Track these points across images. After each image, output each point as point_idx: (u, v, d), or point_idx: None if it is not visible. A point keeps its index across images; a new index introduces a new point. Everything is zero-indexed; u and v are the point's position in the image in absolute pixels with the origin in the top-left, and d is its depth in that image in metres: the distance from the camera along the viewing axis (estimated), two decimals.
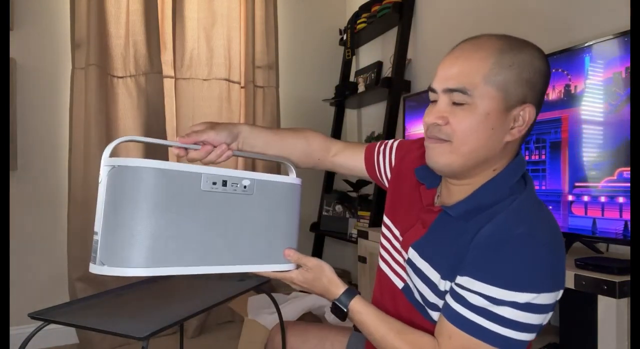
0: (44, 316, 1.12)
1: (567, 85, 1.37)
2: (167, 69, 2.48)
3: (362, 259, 2.10)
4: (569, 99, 1.38)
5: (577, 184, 1.34)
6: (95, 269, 0.68)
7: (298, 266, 0.84)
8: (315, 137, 1.05)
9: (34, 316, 1.11)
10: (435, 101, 0.76)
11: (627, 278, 1.09)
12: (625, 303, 1.08)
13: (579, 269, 1.20)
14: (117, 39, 2.29)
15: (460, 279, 0.71)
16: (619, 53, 1.25)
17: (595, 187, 1.29)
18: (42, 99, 2.25)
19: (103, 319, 1.12)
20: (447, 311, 0.72)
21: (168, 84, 2.49)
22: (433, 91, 0.76)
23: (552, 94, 1.41)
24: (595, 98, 1.31)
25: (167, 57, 2.47)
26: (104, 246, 0.67)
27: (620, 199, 1.23)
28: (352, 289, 0.82)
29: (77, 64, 2.20)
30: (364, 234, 2.10)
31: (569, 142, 1.36)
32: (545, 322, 0.72)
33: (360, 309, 0.79)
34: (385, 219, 0.96)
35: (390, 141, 1.04)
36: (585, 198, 1.31)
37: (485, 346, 0.68)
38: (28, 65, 2.22)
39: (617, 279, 1.08)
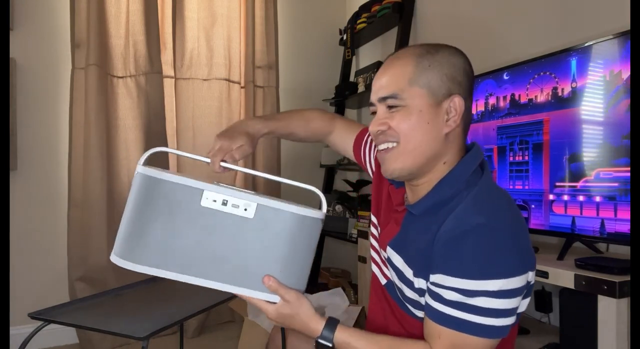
0: (44, 316, 1.12)
1: (555, 88, 1.41)
2: (167, 69, 2.48)
3: (362, 259, 2.10)
4: (552, 102, 1.42)
5: (557, 184, 1.39)
6: (112, 257, 0.77)
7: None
8: (317, 118, 1.12)
9: (34, 316, 1.11)
10: (375, 113, 0.84)
11: (627, 278, 1.09)
12: (625, 303, 1.08)
13: (579, 269, 1.20)
14: (117, 39, 2.29)
15: (433, 278, 0.74)
16: (605, 57, 1.28)
17: (574, 187, 1.34)
18: (42, 99, 2.25)
19: (103, 319, 1.12)
20: (429, 311, 0.74)
21: (168, 84, 2.49)
22: (371, 104, 0.84)
23: (540, 97, 1.45)
24: (577, 101, 1.35)
25: (167, 57, 2.47)
26: (118, 239, 0.76)
27: (597, 198, 1.28)
28: (332, 319, 0.80)
29: (77, 64, 2.20)
30: (364, 234, 2.10)
31: (550, 144, 1.41)
32: (521, 306, 0.75)
33: (346, 339, 0.77)
34: (372, 217, 1.00)
35: None
36: (565, 197, 1.37)
37: (471, 338, 0.70)
38: (28, 65, 2.22)
39: (617, 279, 1.08)
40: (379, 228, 0.95)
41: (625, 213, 1.21)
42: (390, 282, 0.87)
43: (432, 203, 0.79)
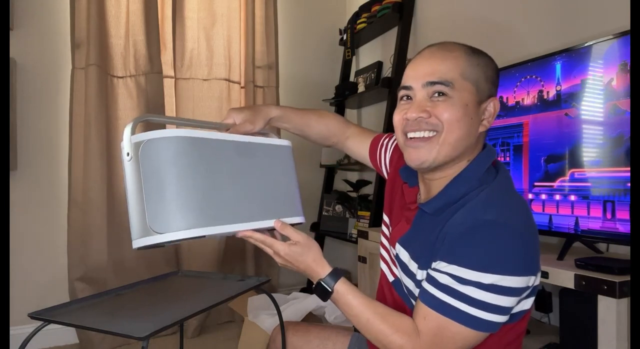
0: (44, 316, 1.11)
1: (540, 91, 1.45)
2: (167, 69, 2.48)
3: (362, 259, 2.10)
4: (537, 105, 1.46)
5: (536, 183, 1.45)
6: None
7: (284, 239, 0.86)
8: (333, 120, 1.13)
9: (34, 316, 1.11)
10: (407, 98, 0.82)
11: (627, 278, 1.09)
12: (625, 303, 1.08)
13: (579, 269, 1.20)
14: (117, 39, 2.29)
15: (434, 264, 0.75)
16: (590, 61, 1.31)
17: (551, 187, 1.40)
18: (42, 99, 2.25)
19: (103, 319, 1.12)
20: (421, 293, 0.76)
21: (168, 84, 2.49)
22: (407, 88, 0.81)
23: (527, 100, 1.49)
24: (560, 104, 1.39)
25: (167, 57, 2.47)
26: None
27: (572, 198, 1.34)
28: (338, 271, 0.83)
29: (77, 64, 2.20)
30: (364, 234, 2.10)
31: (529, 145, 1.47)
32: (525, 304, 0.75)
33: (346, 292, 0.80)
34: (384, 216, 1.00)
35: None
36: (543, 196, 1.43)
37: (456, 325, 0.71)
38: (28, 65, 2.22)
39: (617, 279, 1.08)
40: (390, 227, 0.96)
41: (597, 212, 1.26)
42: (397, 280, 0.88)
43: (444, 202, 0.79)
